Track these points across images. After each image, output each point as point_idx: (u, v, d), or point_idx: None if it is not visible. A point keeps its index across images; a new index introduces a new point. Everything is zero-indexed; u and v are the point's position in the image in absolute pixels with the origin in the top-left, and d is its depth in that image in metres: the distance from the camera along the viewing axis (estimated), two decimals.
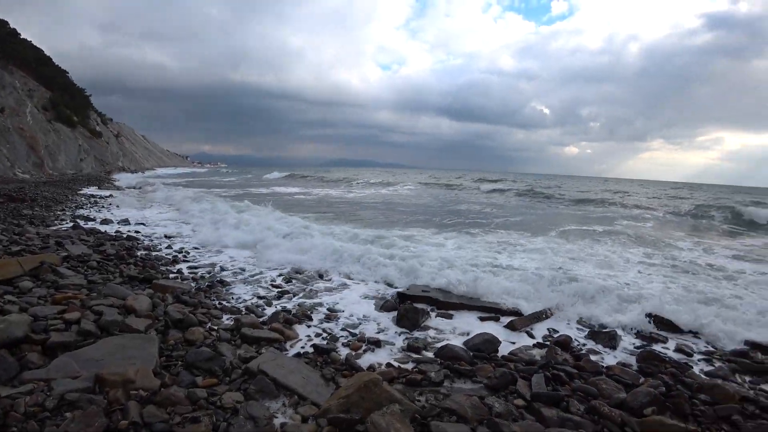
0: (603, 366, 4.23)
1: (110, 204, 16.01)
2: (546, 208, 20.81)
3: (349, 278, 6.89)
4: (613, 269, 7.83)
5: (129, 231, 10.08)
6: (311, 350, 4.28)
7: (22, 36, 47.57)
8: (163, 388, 3.16)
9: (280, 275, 6.91)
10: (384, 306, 5.66)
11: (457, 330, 5.04)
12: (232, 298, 5.75)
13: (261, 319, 4.86)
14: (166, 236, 9.84)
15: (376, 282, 6.73)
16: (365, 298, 6.06)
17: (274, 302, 5.69)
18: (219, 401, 3.18)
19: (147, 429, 2.78)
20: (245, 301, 5.66)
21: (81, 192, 20.82)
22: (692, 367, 4.33)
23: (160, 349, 3.71)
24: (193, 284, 6.08)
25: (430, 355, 4.38)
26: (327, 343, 4.42)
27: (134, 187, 26.16)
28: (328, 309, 5.52)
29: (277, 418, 3.21)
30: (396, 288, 6.41)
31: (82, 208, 14.35)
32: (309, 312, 5.31)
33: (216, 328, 4.44)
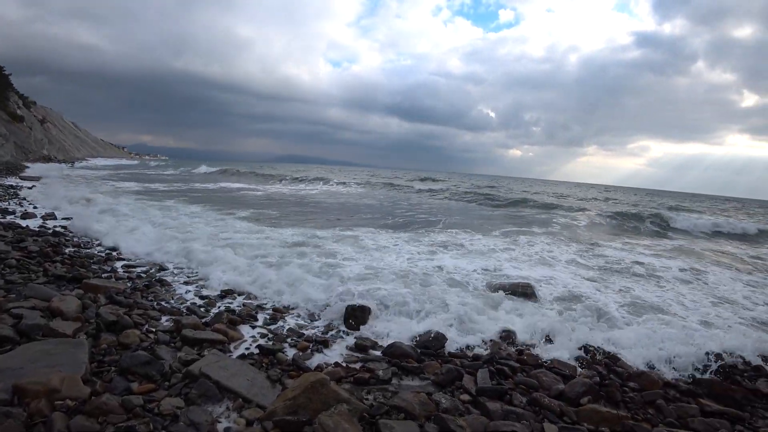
0: (543, 360, 4.47)
1: (34, 196, 14.59)
2: (488, 210, 21.57)
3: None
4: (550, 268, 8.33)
5: (56, 226, 9.23)
6: (257, 351, 4.17)
7: None
8: (93, 397, 2.95)
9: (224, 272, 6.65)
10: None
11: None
12: (172, 298, 5.46)
13: (204, 320, 4.65)
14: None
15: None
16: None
17: (218, 302, 5.47)
18: (157, 408, 3.02)
19: None
20: (186, 301, 5.40)
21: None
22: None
23: (91, 354, 3.45)
24: (128, 284, 5.70)
25: (377, 353, 4.40)
26: (273, 344, 4.32)
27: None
28: (272, 309, 5.39)
29: (220, 422, 3.10)
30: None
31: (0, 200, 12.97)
32: (254, 312, 5.16)
33: (154, 330, 4.19)
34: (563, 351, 4.63)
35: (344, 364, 4.13)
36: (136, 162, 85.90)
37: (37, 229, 8.55)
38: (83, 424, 2.68)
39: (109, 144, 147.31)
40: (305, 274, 6.36)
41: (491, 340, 4.86)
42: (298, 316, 5.30)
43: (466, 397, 3.65)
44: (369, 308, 5.30)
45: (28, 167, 32.41)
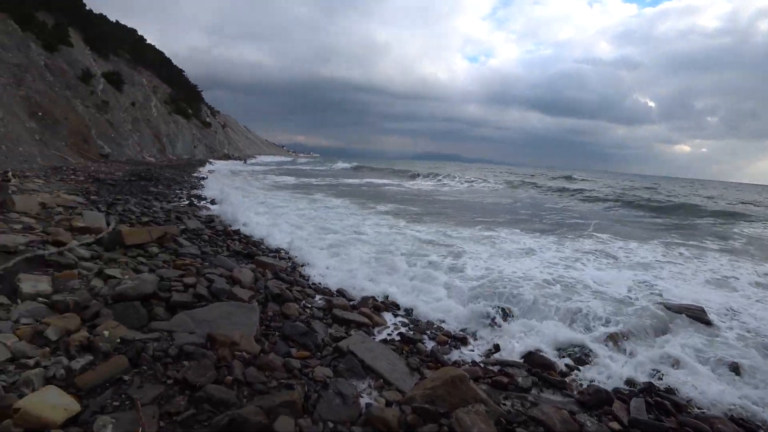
0: None
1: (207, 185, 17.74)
2: (647, 216, 18.51)
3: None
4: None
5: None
6: (398, 338, 4.34)
7: (148, 41, 54.53)
8: (262, 354, 3.42)
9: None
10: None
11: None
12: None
13: (351, 303, 5.04)
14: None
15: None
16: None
17: None
18: (311, 373, 3.36)
19: (248, 387, 3.02)
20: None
21: (194, 174, 23.30)
22: None
23: (260, 319, 4.02)
24: (288, 263, 6.49)
25: (516, 359, 4.20)
26: (413, 334, 4.44)
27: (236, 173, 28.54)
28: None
29: (362, 398, 3.30)
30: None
31: (196, 188, 16.04)
32: (396, 301, 5.38)
33: (310, 306, 4.70)
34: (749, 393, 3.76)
35: (482, 365, 4.03)
36: (290, 159, 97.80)
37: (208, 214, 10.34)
38: (255, 375, 3.12)
39: (272, 144, 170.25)
40: (438, 272, 6.41)
41: (654, 370, 4.20)
42: (436, 309, 5.34)
43: (616, 425, 3.23)
44: (508, 310, 5.10)
45: (212, 163, 39.63)
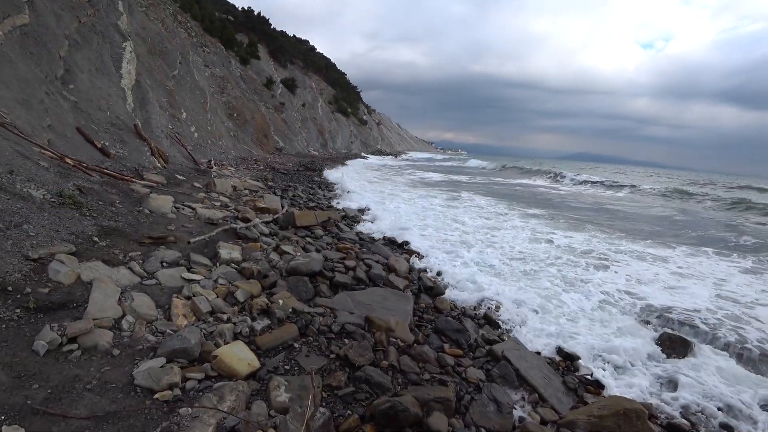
0: None
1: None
2: None
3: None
4: None
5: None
6: (555, 352, 3.87)
7: (317, 50, 61.06)
8: (416, 344, 3.37)
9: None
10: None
11: None
12: None
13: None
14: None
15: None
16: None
17: None
18: (464, 373, 3.18)
19: (402, 375, 2.99)
20: None
21: (346, 164, 25.39)
22: None
23: (413, 309, 4.00)
24: None
25: (699, 400, 3.34)
26: (572, 352, 3.90)
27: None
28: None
29: (515, 410, 2.99)
30: None
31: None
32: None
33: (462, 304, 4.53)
34: None
35: (656, 402, 3.33)
36: (439, 156, 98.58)
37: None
38: (408, 364, 3.08)
39: (422, 140, 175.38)
40: (600, 291, 5.57)
41: None
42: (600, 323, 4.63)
43: None
44: (690, 342, 4.14)
45: (365, 157, 42.67)
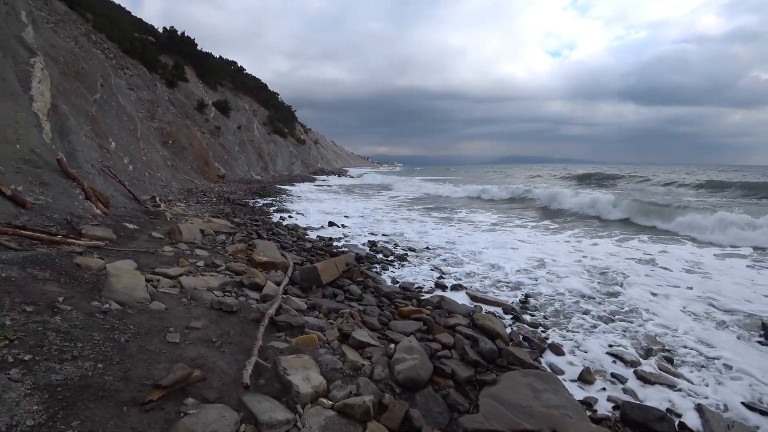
0: None
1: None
2: None
3: None
4: None
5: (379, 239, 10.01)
6: None
7: (246, 71, 58.14)
8: None
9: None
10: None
11: None
12: None
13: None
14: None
15: None
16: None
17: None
18: None
19: None
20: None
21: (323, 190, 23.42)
22: None
23: None
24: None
25: None
26: None
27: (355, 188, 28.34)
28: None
29: None
30: None
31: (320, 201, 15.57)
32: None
33: None
34: None
35: None
36: (382, 170, 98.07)
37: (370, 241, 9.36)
38: None
39: (357, 156, 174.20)
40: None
41: None
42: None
43: None
44: None
45: (319, 179, 40.61)
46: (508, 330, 4.00)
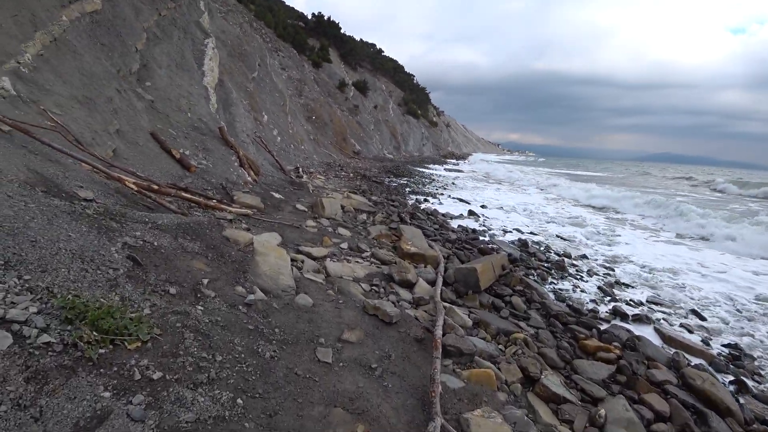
0: None
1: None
2: None
3: None
4: None
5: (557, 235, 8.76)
6: None
7: (384, 53, 58.82)
8: None
9: None
10: None
11: None
12: None
13: None
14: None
15: None
16: None
17: None
18: None
19: None
20: None
21: (429, 170, 22.64)
22: None
23: None
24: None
25: None
26: None
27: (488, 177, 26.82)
28: None
29: None
30: None
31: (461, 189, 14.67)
32: None
33: None
34: None
35: None
36: (518, 157, 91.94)
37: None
38: None
39: (488, 142, 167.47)
40: None
41: None
42: None
43: None
44: None
45: (446, 161, 39.58)
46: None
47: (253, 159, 7.83)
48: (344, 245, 4.22)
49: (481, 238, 6.49)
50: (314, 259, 3.54)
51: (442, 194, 12.56)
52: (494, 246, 5.65)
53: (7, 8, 4.71)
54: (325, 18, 43.57)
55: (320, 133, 20.67)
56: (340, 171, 14.71)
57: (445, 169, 26.56)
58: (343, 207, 6.69)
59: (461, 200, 11.53)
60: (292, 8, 46.66)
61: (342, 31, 44.51)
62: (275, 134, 13.69)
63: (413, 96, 58.45)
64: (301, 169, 11.39)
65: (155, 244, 2.45)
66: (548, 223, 9.67)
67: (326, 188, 9.66)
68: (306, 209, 5.80)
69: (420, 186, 13.87)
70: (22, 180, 2.61)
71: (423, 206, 9.30)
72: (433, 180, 16.76)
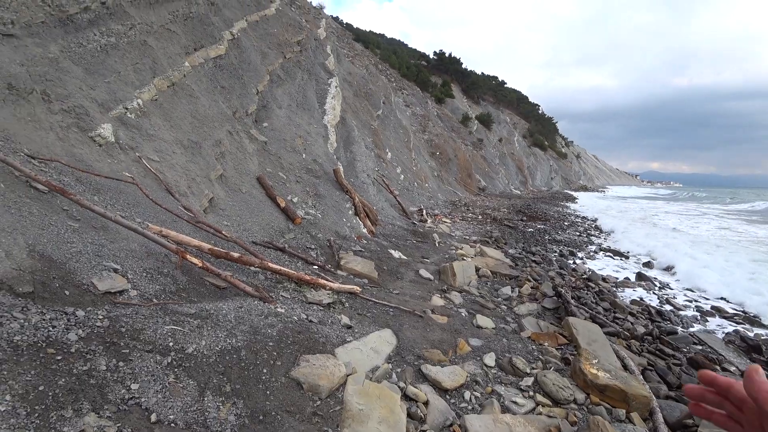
0: None
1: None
2: None
3: None
4: None
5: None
6: None
7: (507, 84, 56.30)
8: None
9: None
10: None
11: None
12: None
13: None
14: None
15: None
16: None
17: None
18: None
19: None
20: None
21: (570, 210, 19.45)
22: None
23: None
24: None
25: None
26: None
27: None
28: None
29: None
30: None
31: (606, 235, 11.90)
32: None
33: None
34: None
35: None
36: (662, 189, 79.27)
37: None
38: None
39: (623, 172, 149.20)
40: None
41: None
42: None
43: None
44: None
45: (577, 197, 34.26)
46: None
47: (372, 204, 6.77)
48: (489, 359, 2.61)
49: (678, 329, 4.17)
50: (444, 391, 2.06)
51: (589, 243, 9.97)
52: (710, 352, 3.46)
53: (129, 57, 4.37)
54: (446, 55, 43.56)
55: (444, 169, 19.50)
56: (466, 211, 13.13)
57: (581, 206, 22.95)
58: (477, 270, 5.11)
59: (616, 253, 8.84)
60: (415, 49, 47.99)
61: (463, 66, 43.95)
62: (398, 172, 12.86)
63: (539, 127, 54.70)
64: (425, 212, 10.17)
65: (152, 420, 1.22)
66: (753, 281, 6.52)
67: (453, 236, 8.18)
68: (431, 277, 4.36)
69: (559, 231, 11.39)
70: (3, 272, 1.66)
71: (572, 264, 7.08)
72: (573, 223, 13.88)
